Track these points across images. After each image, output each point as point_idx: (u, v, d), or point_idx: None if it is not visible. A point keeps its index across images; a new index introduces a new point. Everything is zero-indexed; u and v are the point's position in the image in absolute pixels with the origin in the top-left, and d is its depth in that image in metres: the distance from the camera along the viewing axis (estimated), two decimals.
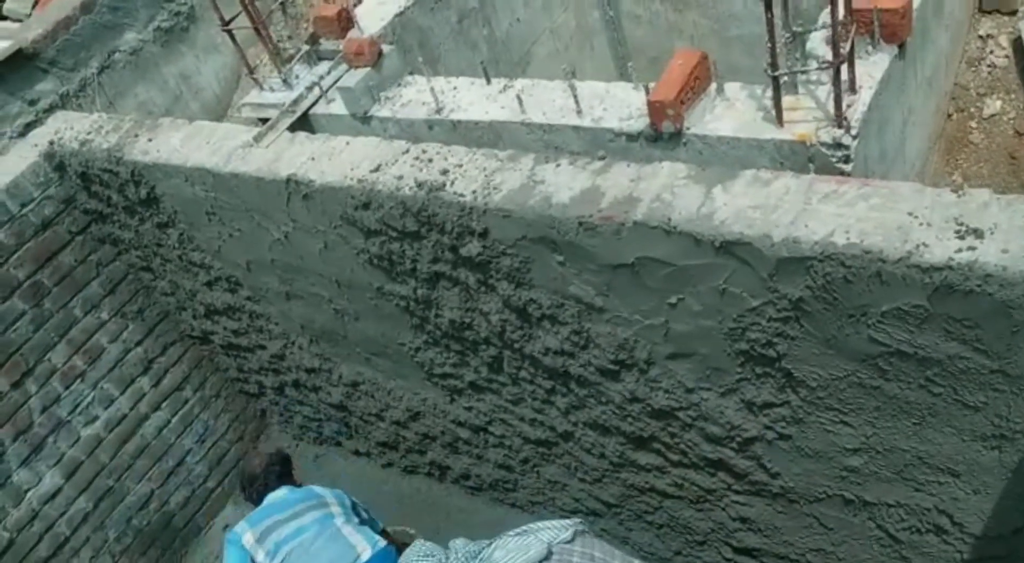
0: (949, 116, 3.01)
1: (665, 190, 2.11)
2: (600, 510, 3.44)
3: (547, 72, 4.07)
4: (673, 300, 2.20)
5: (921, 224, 1.79)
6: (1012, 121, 2.88)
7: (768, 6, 1.99)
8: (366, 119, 2.96)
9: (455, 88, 2.85)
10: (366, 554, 2.87)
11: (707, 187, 2.07)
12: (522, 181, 2.33)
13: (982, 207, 1.77)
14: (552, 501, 3.61)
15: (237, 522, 3.15)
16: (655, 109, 2.28)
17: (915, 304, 1.79)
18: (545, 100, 2.64)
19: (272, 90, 3.20)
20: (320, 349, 3.62)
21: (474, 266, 2.52)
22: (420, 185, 2.45)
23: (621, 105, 2.49)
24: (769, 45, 2.07)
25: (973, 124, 2.97)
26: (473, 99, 2.77)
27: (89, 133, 3.30)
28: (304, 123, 3.09)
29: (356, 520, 3.12)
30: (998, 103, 2.93)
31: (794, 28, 2.25)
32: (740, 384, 2.33)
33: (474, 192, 2.36)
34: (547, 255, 2.31)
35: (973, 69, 3.04)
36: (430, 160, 2.54)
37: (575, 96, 2.48)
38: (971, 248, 1.70)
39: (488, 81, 2.78)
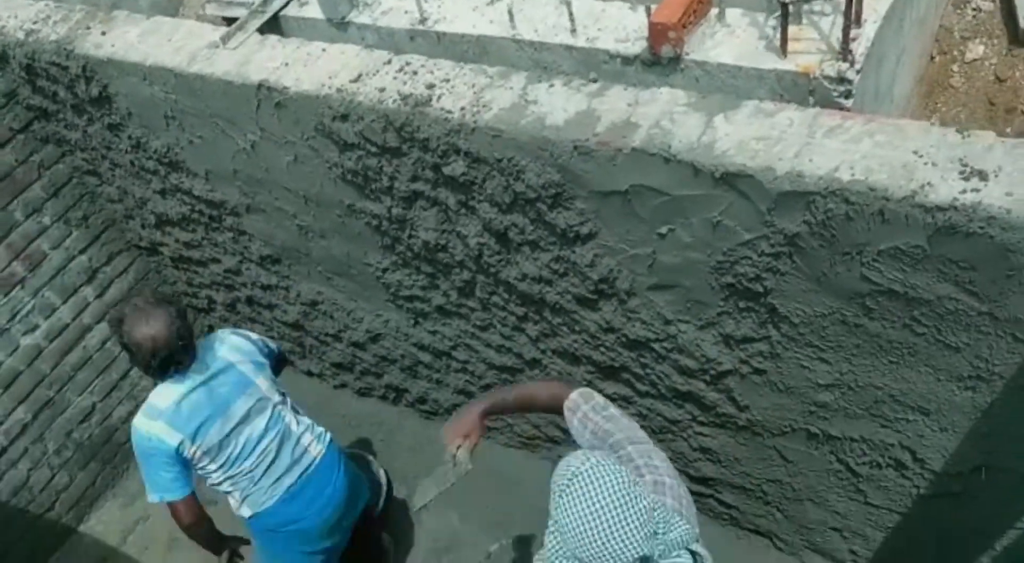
0: (932, 58, 3.00)
1: (664, 117, 2.05)
2: (558, 437, 3.46)
3: None
4: (663, 230, 2.16)
5: (926, 164, 1.77)
6: (993, 66, 2.89)
7: None
8: (343, 25, 2.79)
9: None
10: (317, 453, 2.83)
11: (708, 116, 2.02)
12: (513, 100, 2.24)
13: (987, 149, 1.76)
14: (510, 427, 3.62)
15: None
16: (656, 31, 2.20)
17: (914, 244, 1.79)
18: (536, 16, 2.53)
19: None
20: (279, 266, 3.51)
21: (457, 186, 2.43)
22: (405, 99, 2.34)
23: (617, 26, 2.39)
24: None
25: (955, 67, 2.96)
26: (459, 11, 2.63)
27: (35, 23, 3.06)
28: (274, 26, 2.91)
29: (288, 404, 2.86)
30: (981, 47, 2.93)
31: None
32: (720, 318, 2.33)
33: (462, 109, 2.26)
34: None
35: (958, 11, 3.02)
36: (414, 73, 2.42)
37: (570, 13, 2.37)
38: (975, 190, 1.70)
39: None
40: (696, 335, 2.43)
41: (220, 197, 3.25)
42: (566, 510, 1.50)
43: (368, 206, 2.76)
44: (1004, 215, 1.65)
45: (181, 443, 2.56)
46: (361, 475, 3.16)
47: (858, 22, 2.11)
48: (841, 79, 2.08)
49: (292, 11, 2.89)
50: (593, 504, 1.48)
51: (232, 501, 2.81)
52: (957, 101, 2.92)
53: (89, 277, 3.83)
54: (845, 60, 2.07)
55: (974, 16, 3.00)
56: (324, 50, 2.60)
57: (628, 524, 1.47)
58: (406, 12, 2.72)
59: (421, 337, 3.36)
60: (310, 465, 2.81)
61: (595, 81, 2.23)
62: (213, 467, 2.67)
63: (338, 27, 2.80)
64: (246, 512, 2.78)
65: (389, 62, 2.48)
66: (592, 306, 2.57)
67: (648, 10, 2.22)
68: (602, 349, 2.73)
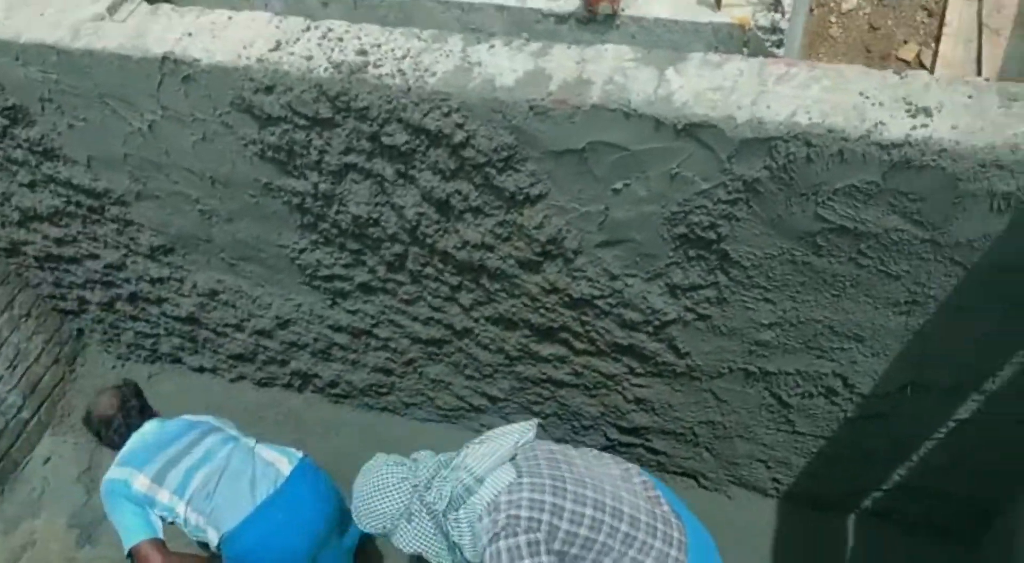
0: (811, 10, 3.19)
1: (616, 72, 2.07)
2: (483, 406, 3.46)
3: None
4: (618, 186, 2.19)
5: (874, 104, 1.89)
6: (867, 15, 3.12)
7: None
8: None
9: None
10: (286, 469, 2.70)
11: (659, 69, 2.05)
12: (456, 63, 2.18)
13: (924, 88, 1.90)
14: (431, 401, 3.58)
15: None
16: None
17: (869, 180, 1.91)
18: None
19: None
20: (172, 257, 3.26)
21: (396, 156, 2.35)
22: (337, 66, 2.23)
23: None
24: None
25: (832, 19, 3.17)
26: None
27: None
28: None
29: (243, 434, 2.92)
30: None
31: None
32: (669, 269, 2.39)
33: (403, 74, 2.18)
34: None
35: None
36: (339, 39, 2.30)
37: None
38: (924, 125, 1.83)
39: None
40: (643, 288, 2.49)
41: (104, 186, 2.97)
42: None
43: (290, 183, 2.61)
44: (953, 147, 1.79)
45: (132, 476, 2.61)
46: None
47: None
48: (774, 29, 2.17)
49: None
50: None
51: (210, 539, 2.65)
52: (837, 50, 3.13)
53: None
54: (777, 10, 2.17)
55: None
56: (231, 18, 2.42)
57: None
58: None
59: (338, 318, 3.24)
60: (278, 480, 2.67)
61: (529, 41, 2.21)
62: (166, 497, 2.54)
63: None
64: (214, 538, 2.61)
65: (308, 29, 2.35)
66: (536, 269, 2.57)
67: None
68: (542, 311, 2.74)
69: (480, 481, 2.17)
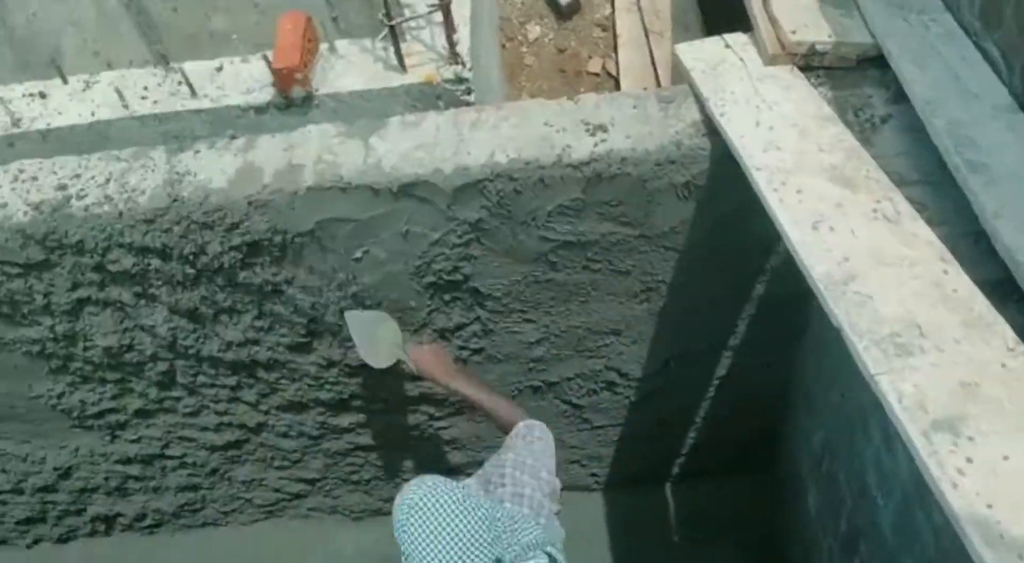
0: (503, 46, 3.43)
1: (324, 151, 2.14)
2: (303, 491, 3.41)
3: (85, 67, 3.67)
4: (358, 255, 2.26)
5: (558, 130, 2.09)
6: (552, 41, 3.40)
7: None
8: None
9: (26, 95, 2.48)
10: None
11: (363, 140, 2.15)
12: (164, 176, 2.16)
13: (595, 107, 2.12)
14: (250, 502, 3.48)
15: None
16: (282, 76, 2.26)
17: (573, 197, 2.10)
18: (146, 89, 2.44)
19: None
20: None
21: (128, 280, 2.29)
22: (36, 207, 2.14)
23: (236, 80, 2.41)
24: None
25: (524, 49, 3.43)
26: (57, 104, 2.44)
27: None
28: None
29: None
30: (537, 28, 3.43)
31: None
32: (432, 316, 2.49)
33: (111, 200, 2.13)
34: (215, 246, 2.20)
35: (509, 2, 3.49)
36: (34, 178, 2.22)
37: (185, 78, 2.34)
38: (603, 140, 2.04)
39: (65, 81, 2.47)
40: (414, 339, 2.57)
41: None
42: (413, 543, 1.54)
43: (23, 333, 2.46)
44: (631, 154, 2.02)
45: None
46: None
47: (454, 28, 2.38)
48: (459, 79, 2.33)
49: None
50: (435, 527, 1.54)
51: None
52: (536, 76, 3.40)
53: None
54: (457, 62, 2.33)
55: (522, 3, 3.49)
56: None
57: (470, 534, 1.55)
58: None
59: (124, 450, 3.08)
60: None
61: (235, 137, 2.24)
62: None
63: None
64: None
65: None
66: (307, 349, 2.59)
67: (266, 59, 2.28)
68: (327, 386, 2.76)
69: None
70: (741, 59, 2.09)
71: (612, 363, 2.72)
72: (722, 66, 2.08)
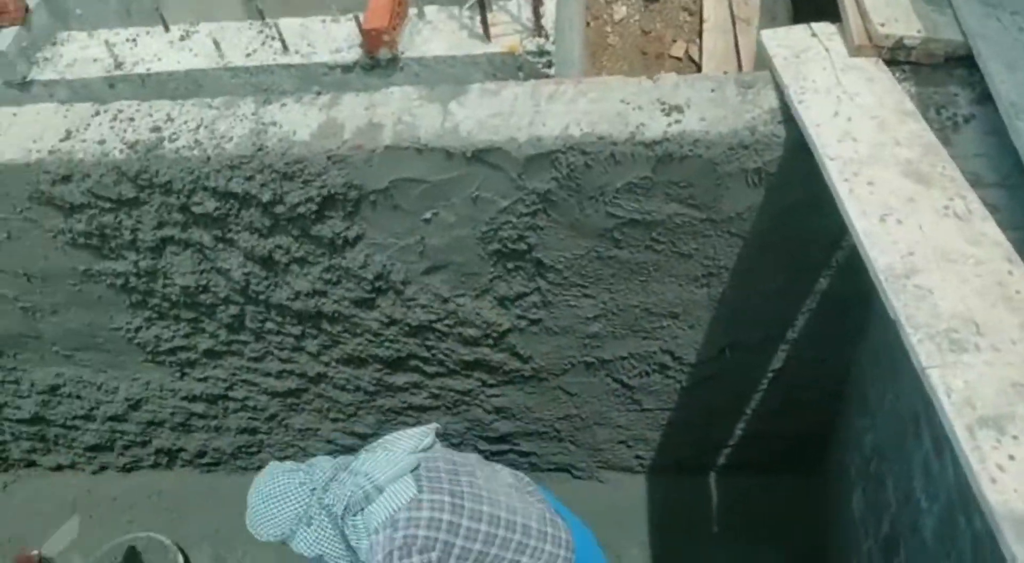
0: (588, 24, 3.45)
1: (404, 112, 2.21)
2: (354, 444, 3.51)
3: (185, 17, 3.81)
4: (428, 216, 2.33)
5: (634, 108, 2.11)
6: (637, 22, 3.40)
7: None
8: (25, 86, 2.58)
9: (128, 40, 2.60)
10: None
11: (443, 104, 2.21)
12: (251, 126, 2.26)
13: (674, 87, 2.14)
14: (303, 450, 3.61)
15: None
16: (371, 37, 2.33)
17: (643, 176, 2.12)
18: (238, 43, 2.54)
19: None
20: (2, 360, 3.16)
21: (210, 223, 2.40)
22: (132, 146, 2.26)
23: (326, 38, 2.49)
24: None
25: (608, 29, 3.44)
26: (157, 50, 2.56)
27: None
28: None
29: None
30: (624, 8, 3.43)
31: None
32: (493, 283, 2.55)
33: (200, 144, 2.24)
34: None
35: None
36: (131, 119, 2.34)
37: (279, 33, 2.43)
38: (677, 121, 2.06)
39: (167, 28, 2.59)
40: (474, 305, 2.63)
41: None
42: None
43: (109, 266, 2.60)
44: (704, 136, 2.03)
45: None
46: None
47: (540, 1, 2.41)
48: (542, 52, 2.37)
49: None
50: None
51: None
52: (617, 56, 3.41)
53: None
54: (540, 35, 2.37)
55: None
56: (15, 114, 2.41)
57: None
58: (95, 60, 2.59)
59: (190, 388, 3.23)
60: None
61: (320, 93, 2.32)
62: None
63: (20, 88, 2.59)
64: None
65: (97, 113, 2.37)
66: (370, 305, 2.67)
67: (357, 19, 2.35)
68: (387, 344, 2.84)
69: (380, 490, 2.20)
70: (826, 49, 2.08)
71: (667, 346, 2.74)
72: (806, 54, 2.07)
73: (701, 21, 3.31)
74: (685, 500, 3.43)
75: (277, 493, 2.29)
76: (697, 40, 3.32)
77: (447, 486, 2.30)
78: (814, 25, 2.14)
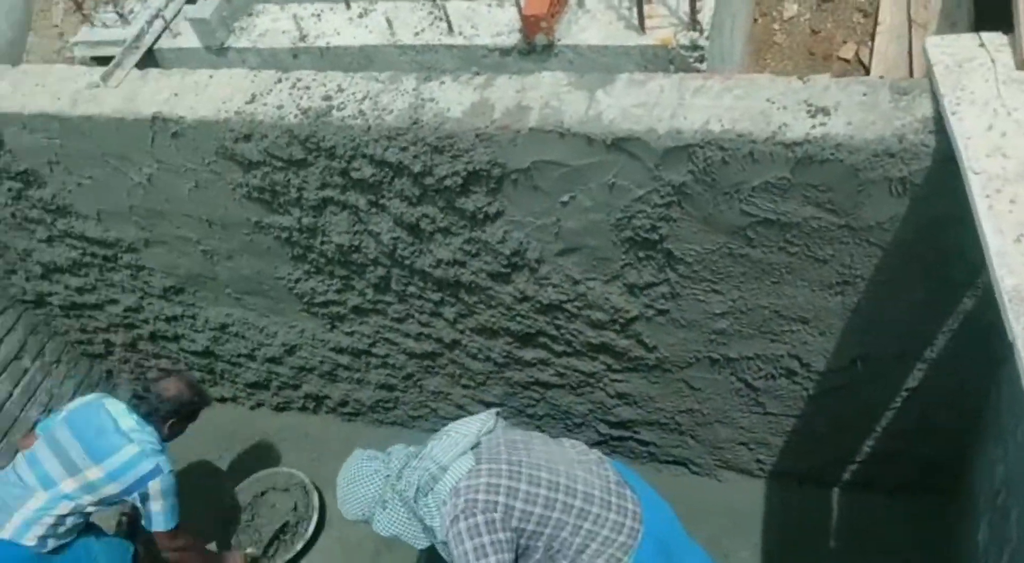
0: (756, 20, 3.40)
1: (552, 97, 2.30)
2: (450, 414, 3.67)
3: None
4: (565, 199, 2.41)
5: (779, 108, 2.10)
6: (807, 21, 3.32)
7: None
8: (222, 51, 2.88)
9: (313, 15, 2.84)
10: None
11: (590, 91, 2.28)
12: (410, 101, 2.42)
13: (824, 89, 2.11)
14: (435, 412, 3.81)
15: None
16: (530, 23, 2.44)
17: (780, 176, 2.11)
18: (411, 22, 2.71)
19: (105, 26, 3.01)
20: (183, 296, 3.54)
21: (366, 188, 2.60)
22: (305, 112, 2.48)
23: (489, 22, 2.62)
24: None
25: (776, 26, 3.37)
26: (337, 25, 2.78)
27: None
28: (150, 60, 2.96)
29: None
30: (795, 6, 3.35)
31: None
32: (624, 270, 2.61)
33: (364, 114, 2.43)
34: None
35: None
36: (307, 87, 2.56)
37: (446, 15, 2.58)
38: (822, 124, 2.04)
39: (348, 5, 2.80)
40: (604, 289, 2.70)
41: (115, 236, 3.25)
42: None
43: (277, 220, 2.87)
44: (848, 141, 2.00)
45: None
46: None
47: None
48: (694, 46, 2.39)
49: (166, 43, 2.95)
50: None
51: None
52: (782, 55, 3.34)
53: None
54: (695, 30, 2.39)
55: None
56: (211, 77, 2.69)
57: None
58: (284, 32, 2.84)
59: (339, 340, 3.49)
60: None
61: (478, 74, 2.45)
62: None
63: (217, 53, 2.88)
64: None
65: (280, 81, 2.61)
66: (506, 279, 2.80)
67: (518, 4, 2.45)
68: (518, 318, 2.96)
69: (444, 469, 2.40)
70: (992, 59, 1.98)
71: (795, 351, 2.70)
72: (969, 64, 1.99)
73: (875, 23, 3.18)
74: (803, 510, 3.36)
75: (356, 478, 2.59)
76: (869, 43, 3.19)
77: (504, 456, 2.45)
78: (984, 35, 2.04)
